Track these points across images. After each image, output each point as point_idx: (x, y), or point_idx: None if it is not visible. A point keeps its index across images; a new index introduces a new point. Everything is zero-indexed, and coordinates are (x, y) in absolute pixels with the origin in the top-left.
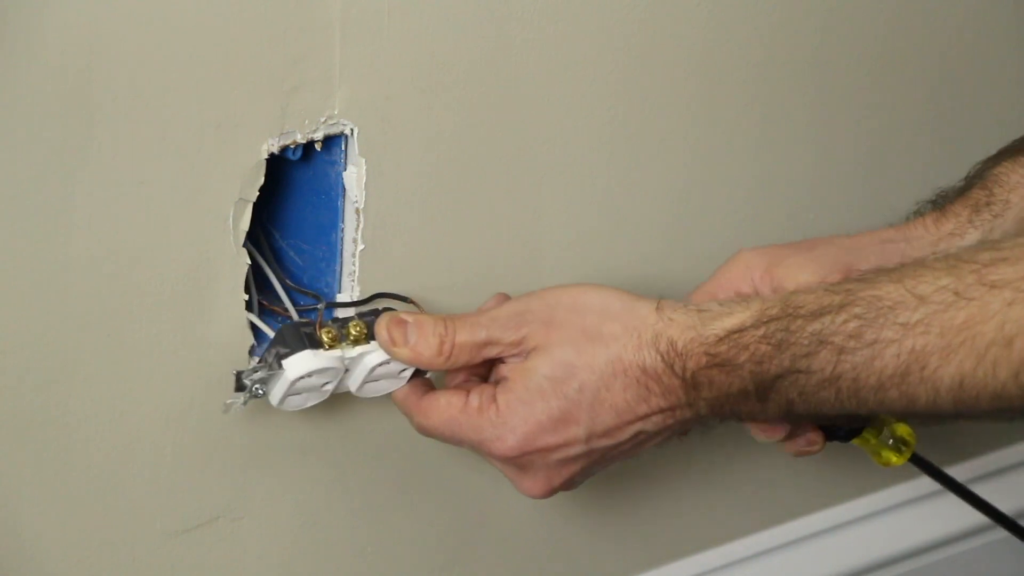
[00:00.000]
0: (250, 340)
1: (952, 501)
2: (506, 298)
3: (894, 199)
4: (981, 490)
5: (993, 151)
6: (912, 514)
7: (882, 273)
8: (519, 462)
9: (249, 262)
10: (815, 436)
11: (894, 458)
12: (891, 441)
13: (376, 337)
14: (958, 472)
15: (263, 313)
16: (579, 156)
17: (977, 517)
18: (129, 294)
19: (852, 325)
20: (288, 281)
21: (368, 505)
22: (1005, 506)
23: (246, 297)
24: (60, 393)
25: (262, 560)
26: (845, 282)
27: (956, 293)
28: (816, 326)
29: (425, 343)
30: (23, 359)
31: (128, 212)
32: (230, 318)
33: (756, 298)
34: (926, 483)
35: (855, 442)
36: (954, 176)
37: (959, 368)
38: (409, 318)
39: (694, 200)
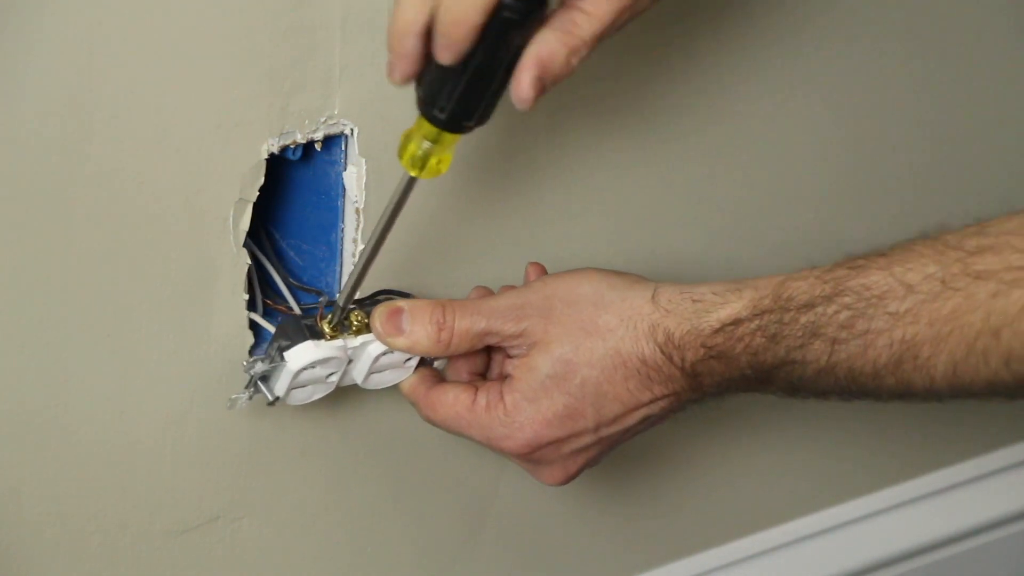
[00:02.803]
0: (250, 339)
1: (952, 501)
2: (486, 291)
3: None
4: (981, 490)
5: None
6: (912, 514)
7: (871, 259)
8: (532, 457)
9: (249, 262)
10: None
11: (407, 163)
12: (422, 151)
13: (372, 329)
14: (959, 472)
15: (267, 313)
16: (578, 155)
17: (977, 517)
18: (129, 294)
19: (843, 316)
20: (292, 280)
21: (368, 504)
22: (1005, 506)
23: (246, 296)
24: (60, 393)
25: (262, 560)
26: (835, 268)
27: (943, 282)
28: (809, 317)
29: (423, 330)
30: (23, 359)
31: (128, 212)
32: (230, 317)
33: (748, 285)
34: (926, 483)
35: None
36: None
37: (951, 356)
38: (404, 304)
39: (695, 199)
